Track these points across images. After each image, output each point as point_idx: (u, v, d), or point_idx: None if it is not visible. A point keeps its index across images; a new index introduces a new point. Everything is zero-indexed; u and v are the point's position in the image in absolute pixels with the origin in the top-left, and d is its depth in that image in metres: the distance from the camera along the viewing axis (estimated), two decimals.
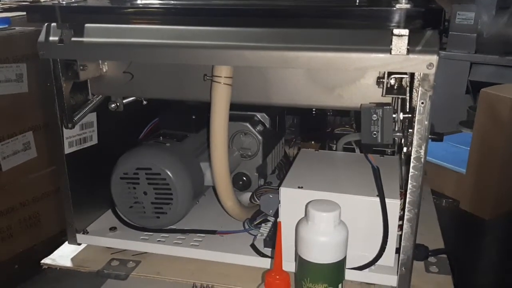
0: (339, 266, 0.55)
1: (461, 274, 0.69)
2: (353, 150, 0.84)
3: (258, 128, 0.81)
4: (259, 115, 0.84)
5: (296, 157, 0.77)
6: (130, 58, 0.66)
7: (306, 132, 1.01)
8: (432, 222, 0.82)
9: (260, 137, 0.81)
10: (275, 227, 0.72)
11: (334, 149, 0.86)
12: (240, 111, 0.81)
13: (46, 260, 0.72)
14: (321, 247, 0.54)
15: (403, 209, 0.61)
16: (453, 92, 2.03)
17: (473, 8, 1.99)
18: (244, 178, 0.83)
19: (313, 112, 1.01)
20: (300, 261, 0.56)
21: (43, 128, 1.45)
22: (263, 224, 0.74)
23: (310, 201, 0.57)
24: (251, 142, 0.81)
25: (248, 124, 0.81)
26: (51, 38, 0.64)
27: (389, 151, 0.83)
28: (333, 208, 0.55)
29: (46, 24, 0.65)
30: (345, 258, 0.56)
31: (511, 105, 0.90)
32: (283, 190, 0.65)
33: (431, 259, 0.71)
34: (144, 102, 0.79)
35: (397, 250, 0.63)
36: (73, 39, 0.64)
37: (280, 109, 0.92)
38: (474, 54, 2.04)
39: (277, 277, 0.52)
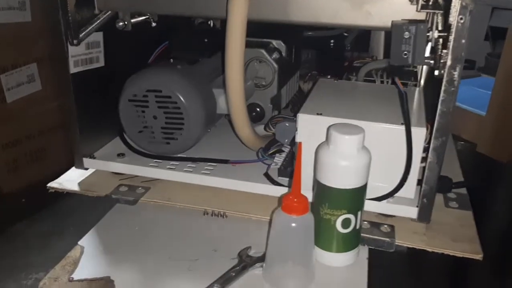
0: (360, 193, 0.52)
1: (475, 215, 0.66)
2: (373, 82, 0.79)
3: (274, 56, 0.77)
4: (275, 42, 0.79)
5: (314, 86, 0.72)
6: None
7: (323, 66, 0.96)
8: (451, 159, 0.79)
9: (276, 65, 0.76)
10: (291, 156, 0.69)
11: (354, 80, 0.82)
12: (254, 38, 0.76)
13: (53, 184, 0.70)
14: (342, 172, 0.51)
15: (428, 141, 0.58)
16: (471, 38, 1.94)
17: None
18: (258, 109, 0.79)
19: (331, 44, 0.97)
20: (319, 187, 0.53)
21: (48, 61, 1.40)
22: (277, 154, 0.71)
23: (332, 124, 0.53)
24: (266, 70, 0.77)
25: (263, 51, 0.76)
26: None
27: (410, 83, 0.79)
28: (356, 131, 0.51)
29: None
30: (366, 184, 0.53)
31: None
32: (300, 117, 0.61)
33: (451, 194, 0.69)
34: (153, 24, 0.74)
35: (418, 182, 0.60)
36: None
37: (297, 36, 0.86)
38: None
39: (295, 200, 0.49)
